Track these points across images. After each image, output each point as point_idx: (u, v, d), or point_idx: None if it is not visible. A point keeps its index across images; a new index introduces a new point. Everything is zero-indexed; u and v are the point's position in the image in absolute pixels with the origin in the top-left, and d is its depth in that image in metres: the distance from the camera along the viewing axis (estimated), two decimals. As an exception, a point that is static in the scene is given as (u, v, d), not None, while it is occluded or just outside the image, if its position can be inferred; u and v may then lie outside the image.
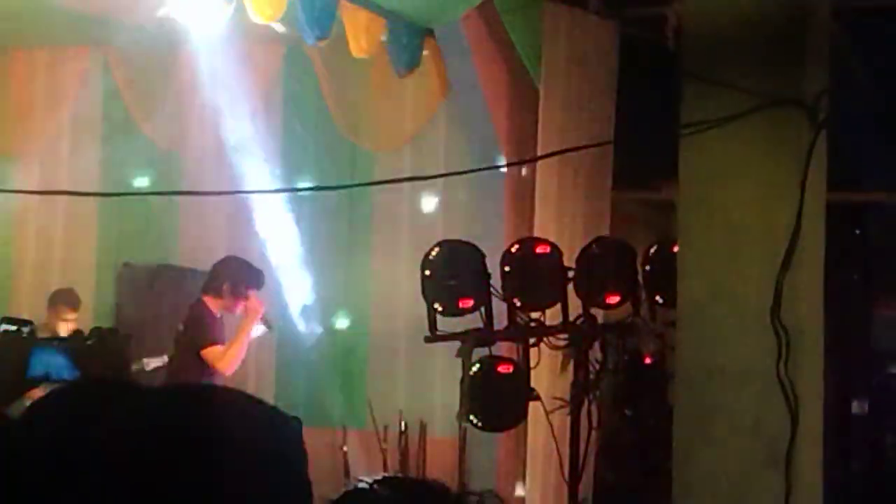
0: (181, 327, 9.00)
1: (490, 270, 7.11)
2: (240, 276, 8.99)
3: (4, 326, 6.81)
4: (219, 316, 8.96)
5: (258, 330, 9.07)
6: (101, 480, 1.63)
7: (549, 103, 8.88)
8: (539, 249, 7.31)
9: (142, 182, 10.41)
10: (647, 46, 8.47)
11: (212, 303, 8.97)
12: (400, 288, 9.58)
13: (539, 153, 8.72)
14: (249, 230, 10.06)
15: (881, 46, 7.29)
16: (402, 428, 9.37)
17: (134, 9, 8.79)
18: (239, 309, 8.95)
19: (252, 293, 8.96)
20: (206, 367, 8.72)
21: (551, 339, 7.24)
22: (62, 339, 7.63)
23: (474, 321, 7.16)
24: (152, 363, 9.00)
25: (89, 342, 6.92)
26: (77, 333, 7.48)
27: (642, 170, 9.28)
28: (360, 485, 2.22)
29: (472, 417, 7.05)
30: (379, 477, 2.27)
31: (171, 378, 8.75)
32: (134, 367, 8.50)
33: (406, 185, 9.79)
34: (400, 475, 6.30)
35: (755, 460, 5.54)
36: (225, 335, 8.91)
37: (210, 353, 8.77)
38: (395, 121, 10.24)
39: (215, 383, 7.70)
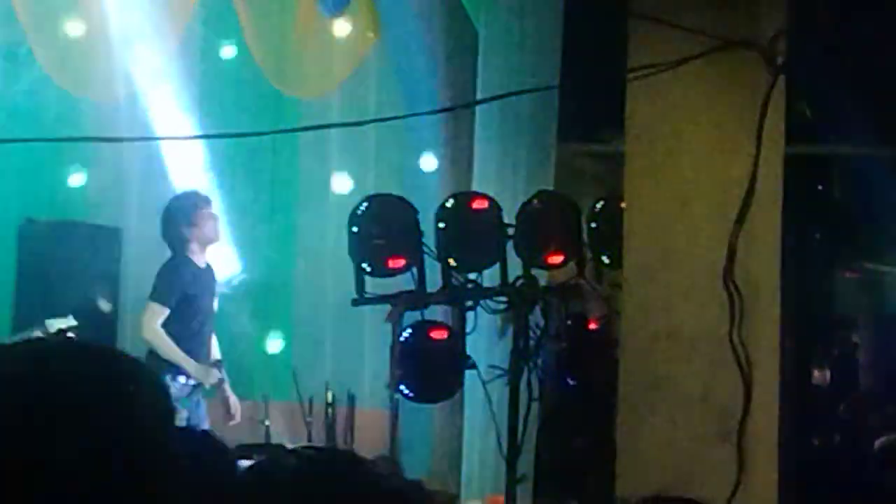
0: None
1: (423, 227, 7.09)
2: (184, 208, 8.78)
3: None
4: (198, 269, 8.63)
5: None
6: None
7: (490, 45, 8.85)
8: (476, 205, 7.30)
9: (44, 128, 10.26)
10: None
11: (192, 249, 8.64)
12: (326, 247, 9.53)
13: (478, 98, 8.69)
14: (163, 182, 9.96)
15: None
16: (329, 399, 9.35)
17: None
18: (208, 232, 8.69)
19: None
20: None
21: (489, 302, 7.23)
22: None
23: (406, 282, 7.14)
24: (56, 325, 8.90)
25: None
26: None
27: (590, 120, 9.28)
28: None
29: (403, 387, 7.05)
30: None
31: None
32: (36, 330, 8.42)
33: (334, 133, 9.73)
34: (311, 446, 6.31)
35: (705, 432, 5.57)
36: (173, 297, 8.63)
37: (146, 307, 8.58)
38: (323, 65, 10.16)
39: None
